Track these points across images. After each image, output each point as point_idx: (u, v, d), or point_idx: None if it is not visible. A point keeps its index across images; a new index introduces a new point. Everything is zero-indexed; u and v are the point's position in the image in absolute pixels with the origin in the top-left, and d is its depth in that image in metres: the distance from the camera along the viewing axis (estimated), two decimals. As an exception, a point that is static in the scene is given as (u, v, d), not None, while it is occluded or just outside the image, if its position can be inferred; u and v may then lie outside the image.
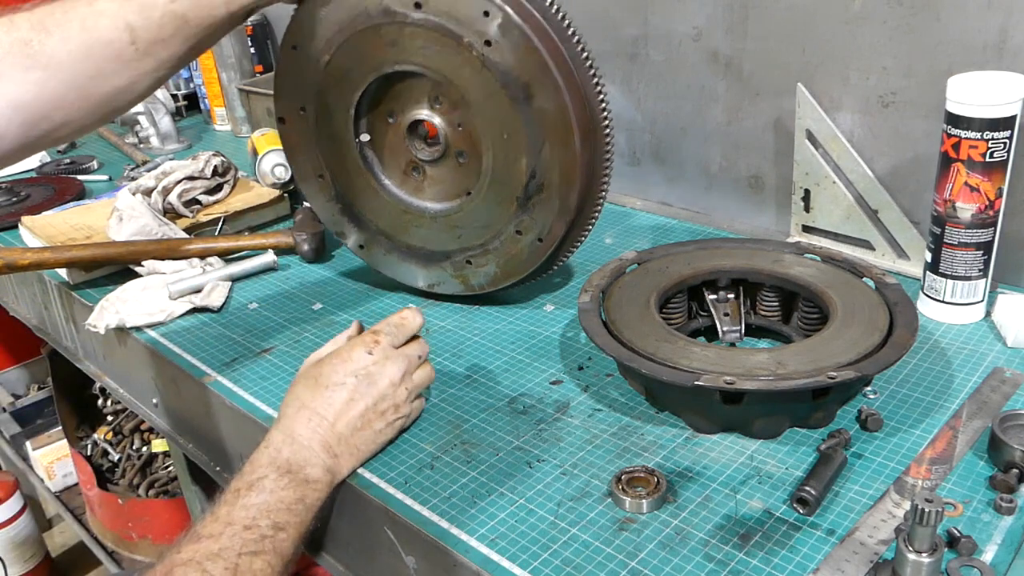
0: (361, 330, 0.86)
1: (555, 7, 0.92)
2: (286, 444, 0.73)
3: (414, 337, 0.85)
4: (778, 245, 1.03)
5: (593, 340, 0.85)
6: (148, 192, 1.35)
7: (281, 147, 1.48)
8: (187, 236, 1.31)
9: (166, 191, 1.37)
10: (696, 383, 0.76)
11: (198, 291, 1.16)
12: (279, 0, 0.97)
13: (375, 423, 0.79)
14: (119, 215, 1.28)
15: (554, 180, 0.95)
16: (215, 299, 1.14)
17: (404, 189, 1.08)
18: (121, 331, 1.11)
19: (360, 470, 0.81)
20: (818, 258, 0.98)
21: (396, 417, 0.81)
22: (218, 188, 1.44)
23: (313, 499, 0.72)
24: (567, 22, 0.93)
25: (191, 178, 1.40)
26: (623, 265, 1.01)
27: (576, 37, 0.93)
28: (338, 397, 0.77)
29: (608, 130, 0.97)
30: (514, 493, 0.76)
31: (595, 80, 0.95)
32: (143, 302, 1.14)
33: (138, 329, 1.11)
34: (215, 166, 1.42)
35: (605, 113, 0.96)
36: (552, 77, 0.90)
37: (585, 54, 0.94)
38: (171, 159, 1.59)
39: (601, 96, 0.95)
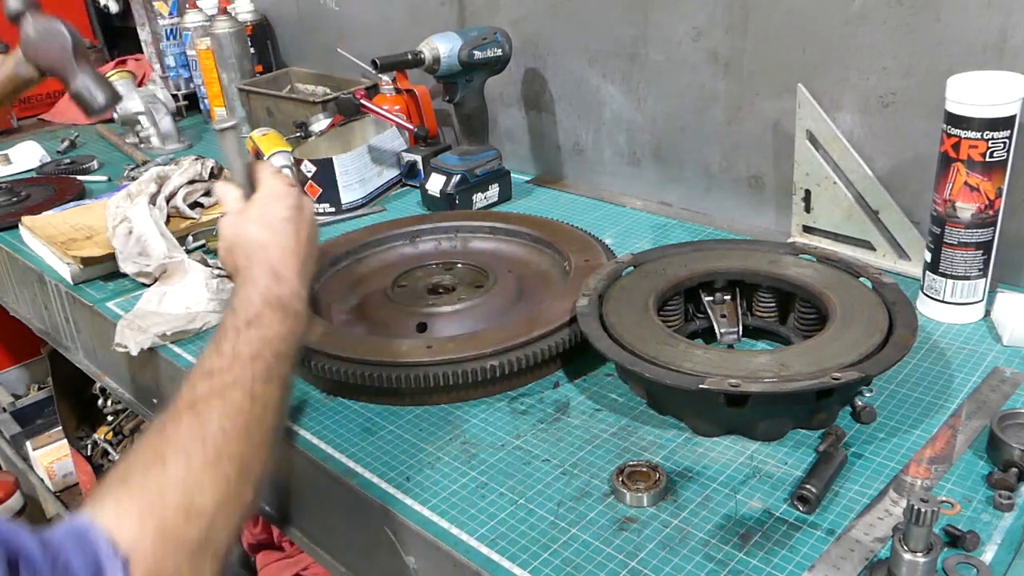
0: (251, 179, 0.83)
1: None
2: (274, 281, 0.75)
3: None
4: (774, 246, 1.03)
5: (594, 344, 0.85)
6: (153, 198, 1.34)
7: (285, 148, 1.49)
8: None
9: (171, 196, 1.37)
10: (701, 386, 0.75)
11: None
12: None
13: (311, 247, 0.82)
14: (128, 227, 1.24)
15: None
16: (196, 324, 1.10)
17: None
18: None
19: (360, 469, 0.81)
20: (814, 258, 0.98)
21: (317, 236, 0.84)
22: None
23: (300, 330, 0.75)
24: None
25: (192, 182, 1.40)
26: (619, 268, 1.00)
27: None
28: (291, 230, 0.79)
29: None
30: (514, 493, 0.76)
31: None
32: (168, 313, 1.10)
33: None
34: (211, 168, 1.43)
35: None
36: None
37: None
38: (172, 158, 1.59)
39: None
